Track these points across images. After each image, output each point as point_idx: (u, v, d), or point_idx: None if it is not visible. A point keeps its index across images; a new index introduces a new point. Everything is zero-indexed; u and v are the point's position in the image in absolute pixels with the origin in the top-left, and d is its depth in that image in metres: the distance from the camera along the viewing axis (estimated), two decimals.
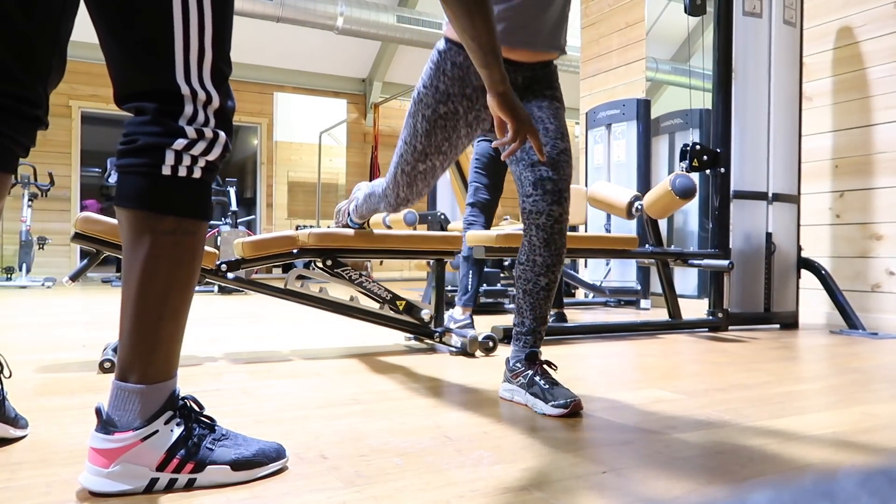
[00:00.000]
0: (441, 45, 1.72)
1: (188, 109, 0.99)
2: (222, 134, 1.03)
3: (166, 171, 0.98)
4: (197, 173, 1.01)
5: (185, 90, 0.99)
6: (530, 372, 1.64)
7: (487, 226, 3.16)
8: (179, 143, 0.98)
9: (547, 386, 1.59)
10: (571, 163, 1.68)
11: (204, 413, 1.08)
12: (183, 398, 1.06)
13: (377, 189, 2.01)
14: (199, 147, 1.00)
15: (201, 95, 1.00)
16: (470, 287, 3.07)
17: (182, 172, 0.99)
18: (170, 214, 1.00)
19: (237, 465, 1.06)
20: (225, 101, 1.04)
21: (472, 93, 1.71)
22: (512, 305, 4.23)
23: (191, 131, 0.99)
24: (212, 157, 1.02)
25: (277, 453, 1.12)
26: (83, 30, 7.57)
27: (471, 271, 3.09)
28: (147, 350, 1.00)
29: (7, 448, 1.23)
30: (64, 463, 1.15)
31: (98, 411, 1.00)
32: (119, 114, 8.07)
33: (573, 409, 1.52)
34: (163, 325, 1.01)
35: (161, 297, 1.00)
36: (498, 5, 1.63)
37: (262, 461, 1.08)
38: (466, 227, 3.15)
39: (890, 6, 3.39)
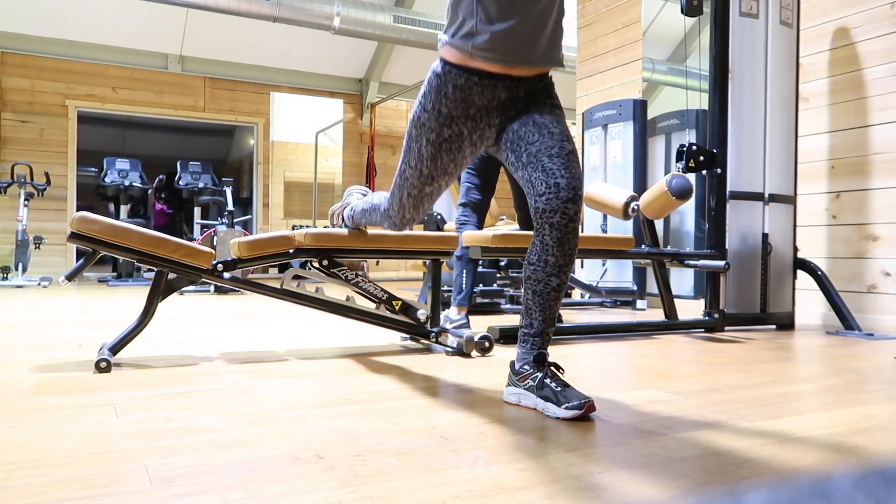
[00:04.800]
0: (438, 67, 1.68)
1: None
2: None
3: None
4: None
5: None
6: (539, 374, 1.59)
7: (480, 225, 3.17)
8: None
9: (559, 388, 1.54)
10: (579, 166, 1.66)
11: None
12: None
13: (378, 206, 1.98)
14: None
15: None
16: (464, 286, 3.08)
17: None
18: None
19: None
20: None
21: (475, 112, 1.69)
22: (508, 305, 4.24)
23: None
24: None
25: None
26: (81, 29, 7.55)
27: (464, 270, 3.10)
28: None
29: (2, 448, 1.22)
30: (59, 463, 1.14)
31: None
32: (117, 113, 8.05)
33: (587, 411, 1.49)
34: None
35: None
36: (494, 26, 1.60)
37: None
38: (459, 226, 3.16)
39: (886, 7, 3.40)
